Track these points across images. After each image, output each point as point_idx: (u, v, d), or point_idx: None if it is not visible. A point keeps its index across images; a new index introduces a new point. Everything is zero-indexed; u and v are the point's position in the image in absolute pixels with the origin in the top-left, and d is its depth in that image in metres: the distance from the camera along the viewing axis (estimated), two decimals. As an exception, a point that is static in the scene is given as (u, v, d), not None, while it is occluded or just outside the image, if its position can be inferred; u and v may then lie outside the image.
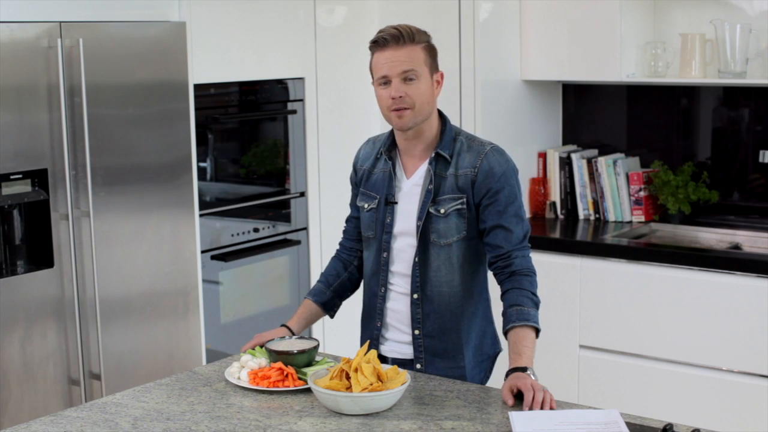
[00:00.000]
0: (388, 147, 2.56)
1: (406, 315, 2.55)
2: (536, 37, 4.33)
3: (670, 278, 3.83)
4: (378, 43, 2.46)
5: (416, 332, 2.54)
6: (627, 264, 3.92)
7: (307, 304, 2.67)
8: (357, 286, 2.73)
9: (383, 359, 2.61)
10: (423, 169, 2.51)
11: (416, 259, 2.51)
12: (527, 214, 4.39)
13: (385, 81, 2.44)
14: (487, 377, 2.60)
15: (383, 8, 4.37)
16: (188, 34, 3.56)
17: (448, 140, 2.50)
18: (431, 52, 2.49)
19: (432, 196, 2.48)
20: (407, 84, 2.43)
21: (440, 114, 2.55)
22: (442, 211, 2.48)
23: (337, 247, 2.76)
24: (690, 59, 4.07)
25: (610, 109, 4.58)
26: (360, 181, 2.63)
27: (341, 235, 2.76)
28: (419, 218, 2.49)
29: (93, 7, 3.33)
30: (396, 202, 2.53)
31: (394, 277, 2.56)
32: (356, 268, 2.71)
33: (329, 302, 2.68)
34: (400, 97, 2.42)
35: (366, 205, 2.59)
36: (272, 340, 2.50)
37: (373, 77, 2.50)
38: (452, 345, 2.53)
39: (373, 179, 2.59)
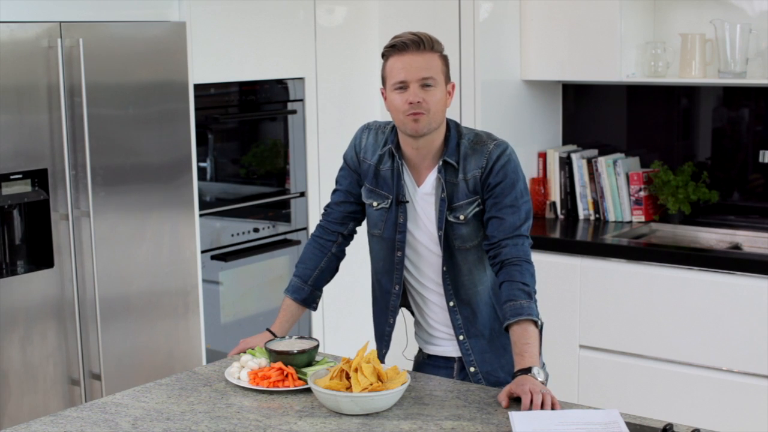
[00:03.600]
0: (396, 146, 2.52)
1: (444, 319, 2.56)
2: (536, 37, 4.33)
3: (670, 278, 3.83)
4: (396, 48, 2.42)
5: (461, 338, 2.54)
6: (627, 264, 3.92)
7: (288, 304, 2.65)
8: (336, 271, 2.70)
9: (427, 358, 2.62)
10: (432, 177, 2.50)
11: (444, 269, 2.51)
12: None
13: (402, 86, 2.41)
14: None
15: (383, 8, 4.37)
16: (188, 34, 3.56)
17: (453, 146, 2.48)
18: (446, 61, 2.47)
19: (447, 203, 2.47)
20: (425, 90, 2.40)
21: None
22: (462, 217, 2.47)
23: (316, 231, 2.70)
24: (690, 59, 4.07)
25: (610, 109, 4.58)
26: (366, 174, 2.58)
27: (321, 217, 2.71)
28: (439, 228, 2.48)
29: (93, 7, 3.33)
30: (407, 201, 2.52)
31: (418, 283, 2.56)
32: (334, 255, 2.67)
33: (309, 297, 2.65)
34: (418, 102, 2.39)
35: (375, 203, 2.56)
36: (272, 339, 2.50)
37: (385, 83, 2.46)
38: (504, 336, 2.52)
39: (381, 176, 2.55)
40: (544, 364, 2.45)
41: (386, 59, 2.46)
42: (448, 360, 2.60)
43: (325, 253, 2.66)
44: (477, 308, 2.52)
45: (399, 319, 2.64)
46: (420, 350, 2.67)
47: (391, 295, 2.58)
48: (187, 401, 2.30)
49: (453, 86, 2.49)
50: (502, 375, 2.54)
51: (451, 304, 2.53)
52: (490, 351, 2.55)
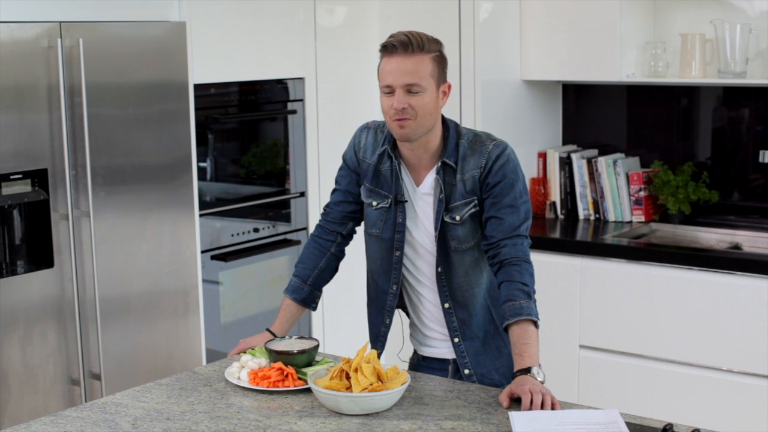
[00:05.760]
0: (393, 146, 2.52)
1: (440, 318, 2.56)
2: (536, 37, 4.33)
3: (670, 278, 3.83)
4: (387, 49, 2.41)
5: (456, 340, 2.54)
6: (627, 264, 3.92)
7: (288, 304, 2.65)
8: (335, 271, 2.70)
9: (422, 360, 2.62)
10: (431, 177, 2.49)
11: (439, 269, 2.51)
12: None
13: (389, 90, 2.40)
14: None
15: (383, 8, 4.37)
16: (188, 34, 3.56)
17: (452, 147, 2.47)
18: (440, 62, 2.43)
19: (444, 204, 2.47)
20: (410, 96, 2.38)
21: (443, 120, 2.52)
22: (458, 218, 2.47)
23: (315, 231, 2.70)
24: (690, 59, 4.07)
25: (610, 109, 4.58)
26: (365, 174, 2.58)
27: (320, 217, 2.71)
28: (435, 228, 2.48)
29: (93, 7, 3.33)
30: (406, 201, 2.51)
31: (416, 282, 2.56)
32: (333, 255, 2.66)
33: (308, 297, 2.65)
34: (403, 108, 2.38)
35: (375, 203, 2.55)
36: (272, 339, 2.50)
37: (379, 82, 2.46)
38: (499, 338, 2.53)
39: (382, 175, 2.54)
40: (540, 365, 2.45)
41: (380, 58, 2.46)
42: (443, 362, 2.59)
43: (324, 253, 2.66)
44: (473, 311, 2.52)
45: (395, 320, 2.64)
46: (415, 352, 2.67)
47: (388, 295, 2.58)
48: (187, 401, 2.30)
49: (449, 86, 2.47)
50: (497, 377, 2.54)
51: (447, 306, 2.52)
52: (484, 353, 2.54)
